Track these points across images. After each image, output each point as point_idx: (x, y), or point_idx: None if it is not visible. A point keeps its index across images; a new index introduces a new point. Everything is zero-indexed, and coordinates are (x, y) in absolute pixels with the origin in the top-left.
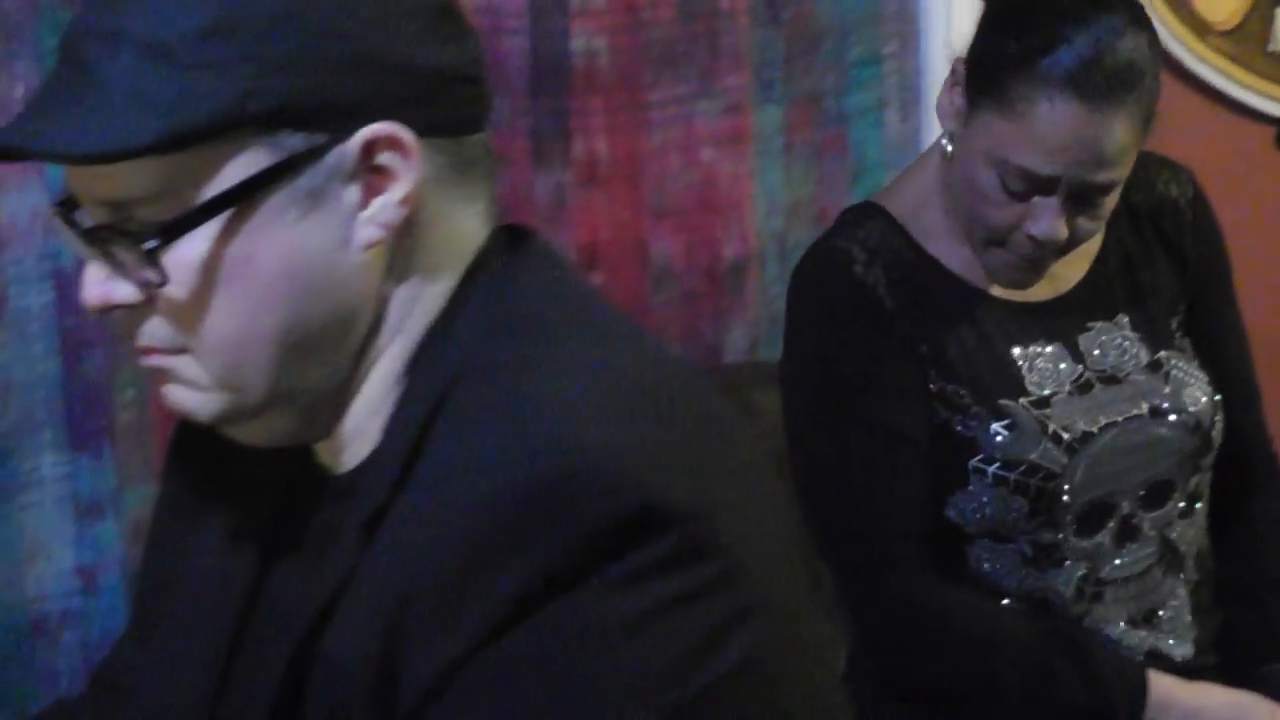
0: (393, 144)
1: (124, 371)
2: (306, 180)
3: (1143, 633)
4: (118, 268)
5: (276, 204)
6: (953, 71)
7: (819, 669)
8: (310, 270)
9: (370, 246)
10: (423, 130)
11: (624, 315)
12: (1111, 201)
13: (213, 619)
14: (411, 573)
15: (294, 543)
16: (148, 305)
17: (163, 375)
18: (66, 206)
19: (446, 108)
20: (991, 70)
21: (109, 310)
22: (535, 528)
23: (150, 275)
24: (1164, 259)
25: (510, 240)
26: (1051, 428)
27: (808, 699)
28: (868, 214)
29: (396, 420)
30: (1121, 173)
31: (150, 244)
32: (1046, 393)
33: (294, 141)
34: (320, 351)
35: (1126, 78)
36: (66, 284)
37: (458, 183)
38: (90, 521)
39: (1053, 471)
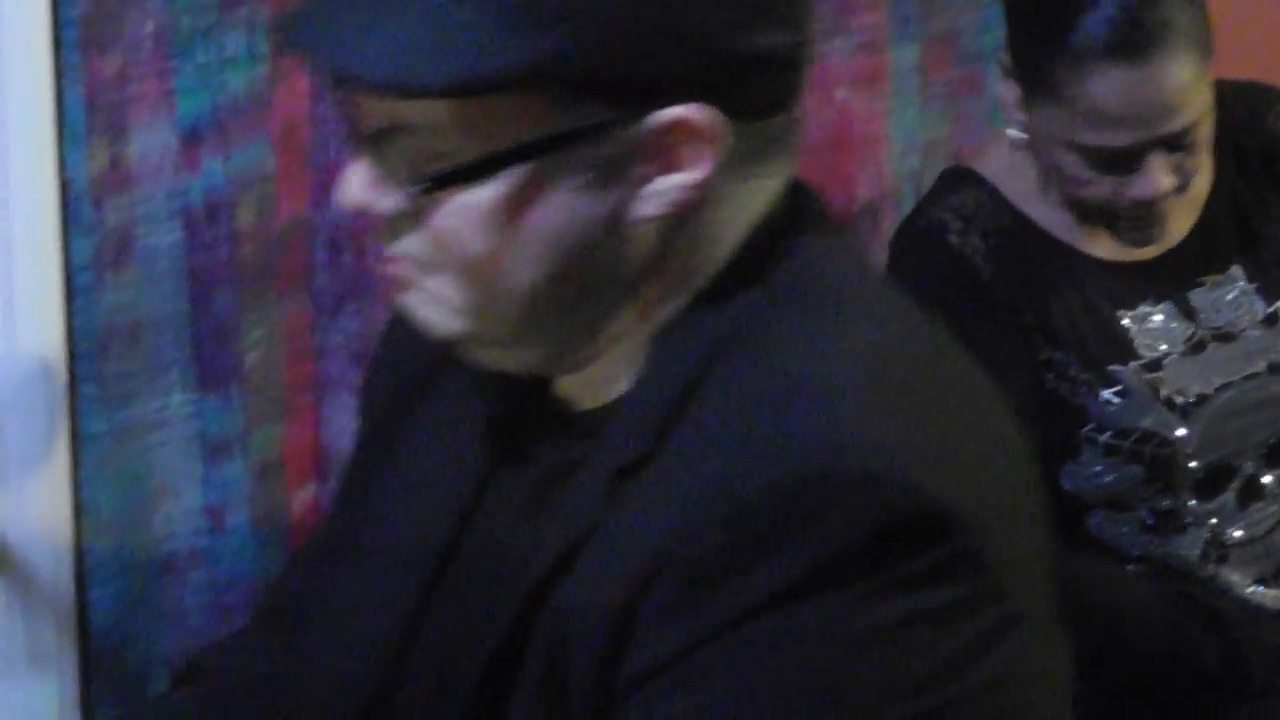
0: (692, 130)
1: (252, 311)
2: (595, 150)
3: (1274, 591)
4: (384, 178)
5: (560, 168)
6: (1000, 65)
7: (1060, 681)
8: (581, 236)
9: (649, 221)
10: (728, 115)
11: (896, 288)
12: (1205, 130)
13: (417, 548)
14: (669, 541)
15: (515, 472)
16: (408, 221)
17: (402, 285)
18: (345, 90)
19: (757, 92)
20: (1030, 61)
21: (363, 213)
22: (804, 525)
23: (416, 205)
24: (1277, 202)
25: (795, 201)
26: (1164, 392)
27: (1047, 711)
28: (961, 179)
29: (658, 372)
30: (1198, 106)
31: (421, 185)
32: (1157, 355)
33: (592, 109)
34: (577, 307)
35: (1163, 19)
36: (195, 222)
37: (754, 163)
38: (218, 461)
39: (1167, 438)
